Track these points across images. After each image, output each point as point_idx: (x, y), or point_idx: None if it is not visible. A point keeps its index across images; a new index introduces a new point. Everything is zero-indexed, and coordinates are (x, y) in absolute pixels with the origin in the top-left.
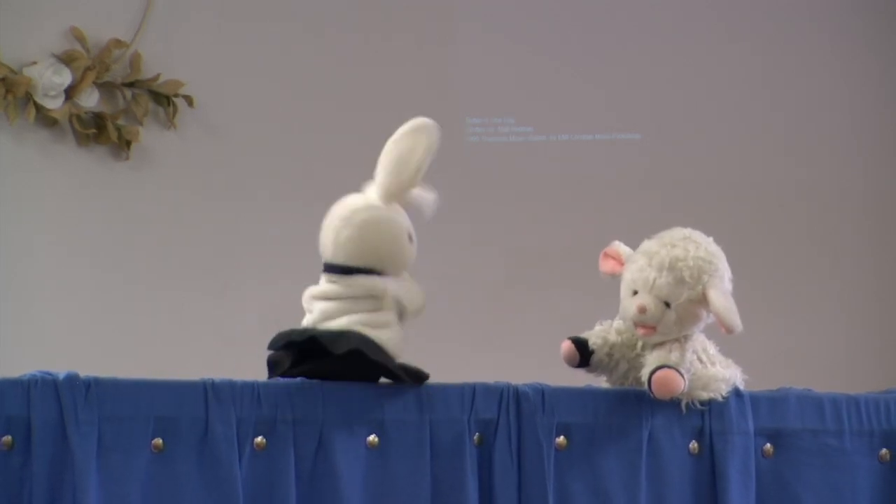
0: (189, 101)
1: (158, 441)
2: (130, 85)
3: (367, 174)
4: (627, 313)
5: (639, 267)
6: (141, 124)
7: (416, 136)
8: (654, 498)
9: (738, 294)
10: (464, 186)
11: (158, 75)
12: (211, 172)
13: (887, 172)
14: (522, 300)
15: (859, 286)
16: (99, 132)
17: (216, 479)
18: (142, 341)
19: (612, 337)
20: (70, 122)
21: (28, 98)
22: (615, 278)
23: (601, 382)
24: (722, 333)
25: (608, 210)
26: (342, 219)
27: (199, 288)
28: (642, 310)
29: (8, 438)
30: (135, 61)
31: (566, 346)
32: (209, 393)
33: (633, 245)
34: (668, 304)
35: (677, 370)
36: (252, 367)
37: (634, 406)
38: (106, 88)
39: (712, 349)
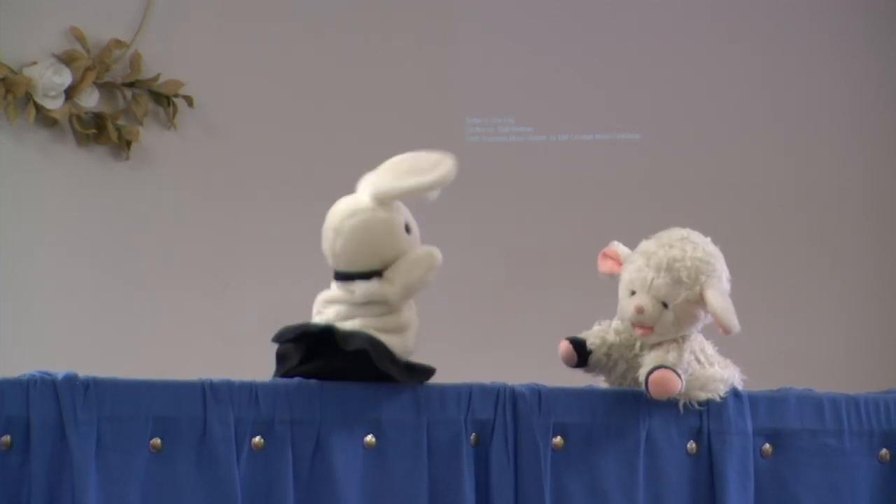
0: (189, 101)
1: (157, 441)
2: (130, 85)
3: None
4: (625, 313)
5: (636, 267)
6: (141, 124)
7: (437, 165)
8: (651, 498)
9: (738, 294)
10: (464, 186)
11: (158, 75)
12: (211, 172)
13: (887, 172)
14: (522, 300)
15: (859, 286)
16: (99, 132)
17: (214, 479)
18: (142, 341)
19: (611, 337)
20: (70, 122)
21: (28, 98)
22: (614, 279)
23: (600, 383)
24: (720, 334)
25: (608, 210)
26: (334, 229)
27: (199, 288)
28: (640, 310)
29: (7, 438)
30: (135, 61)
31: (564, 346)
32: (207, 393)
33: (633, 245)
34: (665, 305)
35: (674, 370)
36: (252, 367)
37: (632, 406)
38: (106, 88)
39: (710, 349)
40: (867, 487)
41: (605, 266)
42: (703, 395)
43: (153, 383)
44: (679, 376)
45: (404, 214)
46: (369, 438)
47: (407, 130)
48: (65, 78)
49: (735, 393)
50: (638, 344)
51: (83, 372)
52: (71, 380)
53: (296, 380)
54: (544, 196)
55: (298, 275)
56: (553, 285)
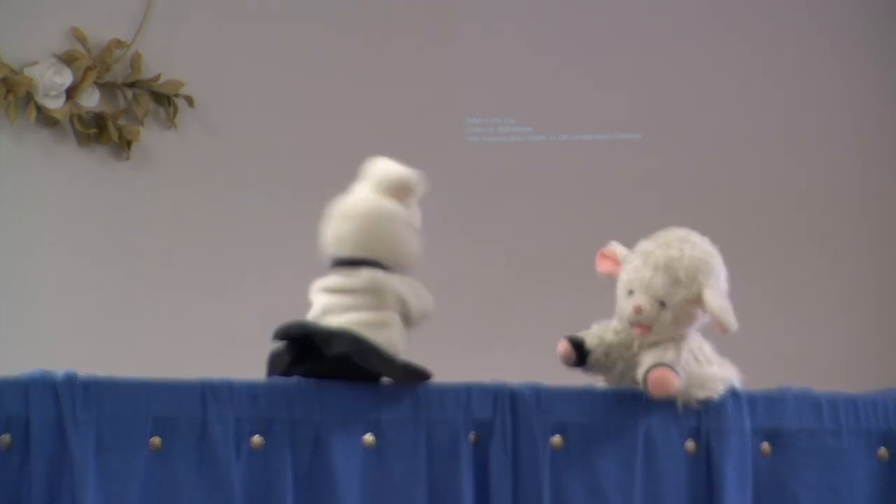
0: (189, 101)
1: (156, 441)
2: (131, 85)
3: None
4: (623, 313)
5: (635, 267)
6: (141, 124)
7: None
8: (650, 498)
9: (738, 294)
10: (464, 186)
11: (159, 75)
12: (211, 172)
13: (887, 172)
14: (522, 300)
15: (859, 286)
16: (100, 132)
17: (214, 478)
18: (142, 341)
19: (609, 337)
20: (71, 122)
21: (29, 98)
22: (612, 279)
23: (599, 382)
24: (718, 333)
25: (608, 210)
26: (342, 213)
27: (199, 288)
28: (638, 310)
29: (7, 438)
30: (135, 61)
31: (562, 345)
32: (207, 393)
33: (633, 245)
34: (663, 304)
35: (672, 369)
36: (252, 367)
37: (631, 406)
38: (107, 88)
39: (708, 349)
40: (866, 487)
41: (603, 266)
42: (701, 395)
43: (152, 383)
44: (677, 375)
45: (409, 216)
46: (368, 438)
47: (407, 130)
48: (65, 78)
49: (734, 393)
50: (636, 343)
51: (83, 372)
52: (71, 380)
53: (295, 379)
54: (544, 196)
55: (298, 275)
56: (553, 285)
